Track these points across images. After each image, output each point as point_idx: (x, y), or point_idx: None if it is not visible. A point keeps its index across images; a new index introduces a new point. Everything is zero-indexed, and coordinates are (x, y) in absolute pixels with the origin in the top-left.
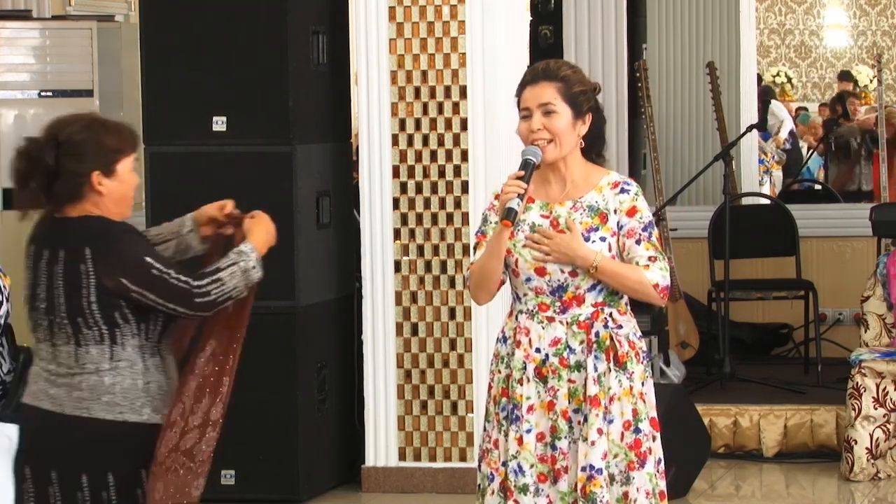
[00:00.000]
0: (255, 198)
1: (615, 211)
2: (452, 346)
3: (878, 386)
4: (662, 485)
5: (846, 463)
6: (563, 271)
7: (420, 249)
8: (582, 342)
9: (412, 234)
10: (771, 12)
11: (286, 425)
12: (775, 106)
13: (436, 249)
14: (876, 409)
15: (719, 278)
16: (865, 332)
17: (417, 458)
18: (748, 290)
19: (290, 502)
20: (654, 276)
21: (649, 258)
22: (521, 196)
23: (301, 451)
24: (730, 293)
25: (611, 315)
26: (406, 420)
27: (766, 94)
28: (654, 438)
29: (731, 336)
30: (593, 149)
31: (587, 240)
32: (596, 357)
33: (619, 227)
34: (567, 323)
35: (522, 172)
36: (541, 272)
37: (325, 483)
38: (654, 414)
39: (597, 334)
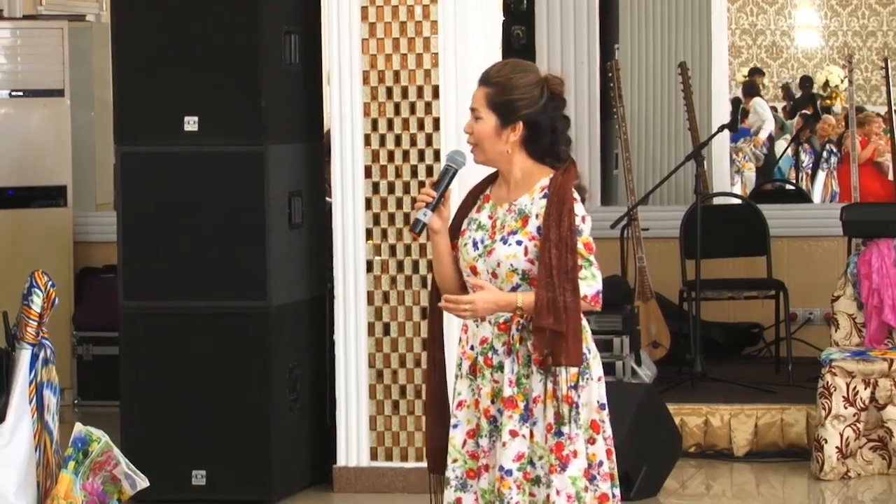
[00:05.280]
0: (227, 198)
1: (536, 216)
2: (424, 345)
3: (848, 385)
4: (605, 487)
5: (816, 462)
6: (487, 272)
7: (392, 249)
8: (504, 343)
9: (384, 234)
10: (742, 13)
11: (258, 425)
12: (759, 105)
13: (408, 249)
14: (846, 408)
15: (691, 278)
16: (836, 331)
17: (389, 457)
18: (719, 289)
19: (261, 502)
20: (580, 289)
21: None
22: (429, 206)
23: (273, 452)
24: (701, 293)
25: (530, 318)
26: (378, 420)
27: (750, 90)
28: (592, 441)
29: (702, 335)
30: (547, 155)
31: (506, 243)
32: (513, 360)
33: (539, 233)
34: (493, 323)
35: (438, 180)
36: (473, 271)
37: (297, 483)
38: (594, 416)
39: (512, 336)
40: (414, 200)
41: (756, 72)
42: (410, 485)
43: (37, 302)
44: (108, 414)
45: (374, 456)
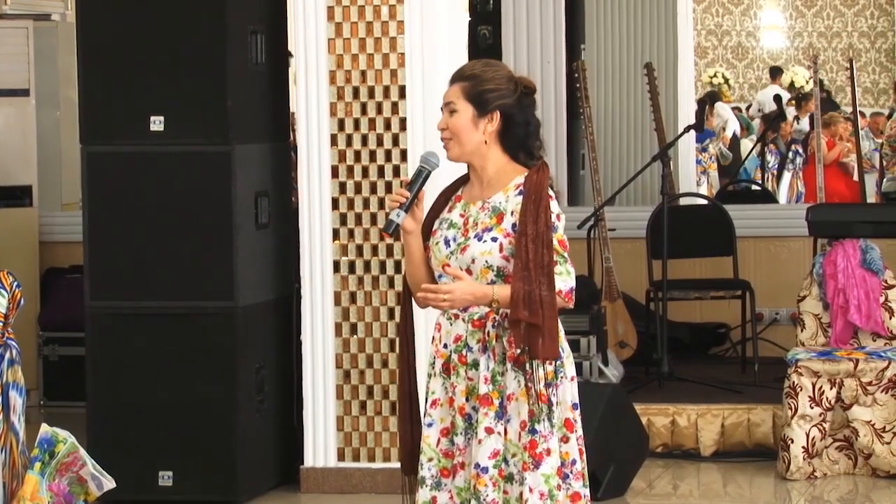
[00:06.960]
0: (194, 198)
1: (512, 213)
2: (391, 346)
3: (814, 385)
4: (577, 486)
5: (783, 462)
6: (461, 268)
7: (359, 249)
8: (479, 341)
9: (351, 234)
10: (708, 13)
11: (225, 426)
12: (720, 107)
13: (375, 250)
14: (812, 408)
15: (657, 278)
16: (802, 331)
17: (356, 458)
18: (686, 289)
19: (228, 503)
20: (556, 283)
21: None
22: (402, 206)
23: (240, 452)
24: (668, 293)
25: (506, 315)
26: (345, 420)
27: (711, 99)
28: (566, 440)
29: (669, 335)
30: (520, 150)
31: (480, 240)
32: (489, 356)
33: (515, 229)
34: (466, 321)
35: (411, 181)
36: (447, 268)
37: (264, 484)
38: (568, 415)
39: (487, 333)
40: (381, 200)
41: (777, 71)
42: (378, 485)
43: (2, 302)
44: (75, 415)
45: (341, 456)
